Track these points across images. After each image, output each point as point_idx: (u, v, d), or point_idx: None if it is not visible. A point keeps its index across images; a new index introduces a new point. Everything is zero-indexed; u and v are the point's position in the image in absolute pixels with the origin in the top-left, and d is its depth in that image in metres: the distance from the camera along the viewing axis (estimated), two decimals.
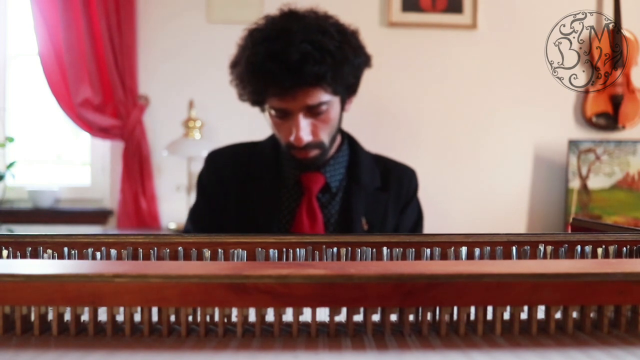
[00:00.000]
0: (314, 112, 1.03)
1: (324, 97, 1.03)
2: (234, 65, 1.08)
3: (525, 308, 0.42)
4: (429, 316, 0.42)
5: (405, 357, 0.37)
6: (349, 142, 1.18)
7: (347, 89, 1.08)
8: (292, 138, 1.04)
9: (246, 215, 1.12)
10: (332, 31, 1.02)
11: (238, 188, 1.14)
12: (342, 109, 1.11)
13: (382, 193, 1.15)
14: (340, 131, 1.15)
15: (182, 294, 0.37)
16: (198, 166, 2.17)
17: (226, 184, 1.15)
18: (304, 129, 1.03)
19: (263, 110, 1.10)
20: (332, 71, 1.00)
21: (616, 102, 2.22)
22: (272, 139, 1.17)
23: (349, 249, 0.50)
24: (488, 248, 0.51)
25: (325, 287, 0.38)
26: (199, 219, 1.17)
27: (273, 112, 1.06)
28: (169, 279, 0.37)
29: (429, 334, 0.41)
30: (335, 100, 1.06)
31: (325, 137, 1.07)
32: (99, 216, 2.28)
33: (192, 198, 2.16)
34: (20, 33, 2.36)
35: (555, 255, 0.51)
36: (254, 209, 1.12)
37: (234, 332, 0.42)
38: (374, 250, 0.50)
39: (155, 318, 0.42)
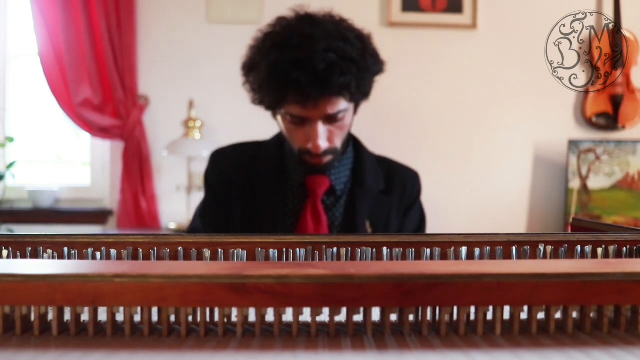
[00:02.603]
0: (332, 119, 1.03)
1: (343, 105, 1.02)
2: (250, 68, 1.05)
3: (525, 308, 0.42)
4: (429, 316, 0.42)
5: (405, 357, 0.37)
6: (354, 143, 1.18)
7: (362, 96, 1.07)
8: (309, 145, 1.03)
9: (250, 216, 1.11)
10: (352, 38, 1.00)
11: (242, 188, 1.13)
12: (355, 112, 1.10)
13: (386, 196, 1.14)
14: None
15: (182, 294, 0.37)
16: (198, 166, 2.18)
17: (231, 184, 1.14)
18: (322, 136, 1.02)
19: (276, 115, 1.09)
20: (355, 81, 0.99)
21: (616, 102, 2.22)
22: (276, 140, 1.16)
23: (349, 249, 0.50)
24: (488, 248, 0.51)
25: (325, 287, 0.38)
26: (207, 215, 1.17)
27: (289, 118, 1.04)
28: (169, 279, 0.37)
29: (429, 334, 0.41)
30: (351, 107, 1.06)
31: (338, 143, 1.07)
32: (99, 216, 2.28)
33: (192, 198, 2.16)
34: (20, 33, 2.37)
35: (555, 255, 0.51)
36: (258, 210, 1.11)
37: (234, 332, 0.42)
38: (374, 250, 0.50)
39: (155, 318, 0.42)
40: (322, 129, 1.02)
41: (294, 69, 0.96)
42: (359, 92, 1.03)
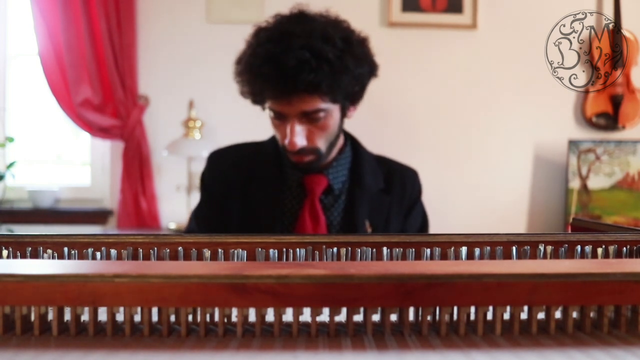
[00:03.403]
0: (310, 118, 1.02)
1: (321, 105, 1.02)
2: (238, 62, 1.08)
3: (525, 308, 0.42)
4: (429, 316, 0.42)
5: (405, 357, 0.37)
6: (352, 143, 1.18)
7: (348, 98, 1.06)
8: (286, 142, 1.03)
9: (249, 216, 1.11)
10: (336, 39, 1.00)
11: (240, 189, 1.13)
12: (344, 115, 1.09)
13: (385, 195, 1.14)
14: (342, 133, 1.14)
15: (182, 294, 0.37)
16: (198, 166, 2.17)
17: (228, 185, 1.15)
18: (298, 134, 1.02)
19: (264, 109, 1.10)
20: (328, 80, 0.99)
21: (616, 102, 2.22)
22: (274, 140, 1.16)
23: (349, 249, 0.50)
24: (488, 248, 0.51)
25: (325, 287, 0.38)
26: (203, 218, 1.17)
27: (272, 113, 1.06)
28: (169, 279, 0.37)
29: (429, 334, 0.41)
30: (334, 108, 1.05)
31: (321, 144, 1.06)
32: (99, 216, 2.28)
33: (192, 198, 2.16)
34: (20, 33, 2.36)
35: (555, 255, 0.51)
36: (256, 210, 1.11)
37: (234, 332, 0.42)
38: (374, 250, 0.50)
39: (155, 318, 0.42)
40: (298, 127, 1.03)
41: (265, 64, 0.99)
42: (336, 93, 1.02)
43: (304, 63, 0.96)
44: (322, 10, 1.06)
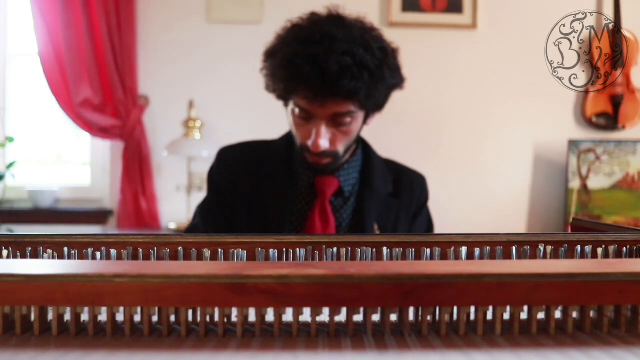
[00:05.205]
0: (337, 122, 1.03)
1: (352, 108, 1.02)
2: (270, 55, 1.07)
3: (525, 308, 0.42)
4: (429, 316, 0.42)
5: (405, 357, 0.37)
6: (363, 146, 1.18)
7: (374, 106, 1.07)
8: (309, 143, 1.03)
9: (257, 216, 1.11)
10: (375, 48, 1.01)
11: (249, 187, 1.12)
12: (364, 122, 1.10)
13: (394, 199, 1.14)
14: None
15: (182, 294, 0.37)
16: (198, 166, 2.18)
17: (237, 182, 1.14)
18: (324, 137, 1.02)
19: (287, 105, 1.09)
20: (366, 89, 0.99)
21: (616, 102, 2.22)
22: (286, 139, 1.16)
23: (349, 249, 0.50)
24: (488, 248, 0.51)
25: (325, 287, 0.38)
26: (208, 214, 1.16)
27: (297, 112, 1.05)
28: (169, 279, 0.37)
29: (429, 334, 0.41)
30: (360, 115, 1.06)
31: (341, 148, 1.06)
32: (99, 216, 2.28)
33: (192, 198, 2.16)
34: (20, 33, 2.37)
35: (555, 255, 0.51)
36: (265, 210, 1.10)
37: (234, 332, 0.42)
38: (374, 250, 0.50)
39: (155, 318, 0.42)
40: (325, 129, 1.03)
41: (308, 64, 0.97)
42: (370, 101, 1.03)
43: (346, 69, 0.97)
44: (357, 15, 1.07)
